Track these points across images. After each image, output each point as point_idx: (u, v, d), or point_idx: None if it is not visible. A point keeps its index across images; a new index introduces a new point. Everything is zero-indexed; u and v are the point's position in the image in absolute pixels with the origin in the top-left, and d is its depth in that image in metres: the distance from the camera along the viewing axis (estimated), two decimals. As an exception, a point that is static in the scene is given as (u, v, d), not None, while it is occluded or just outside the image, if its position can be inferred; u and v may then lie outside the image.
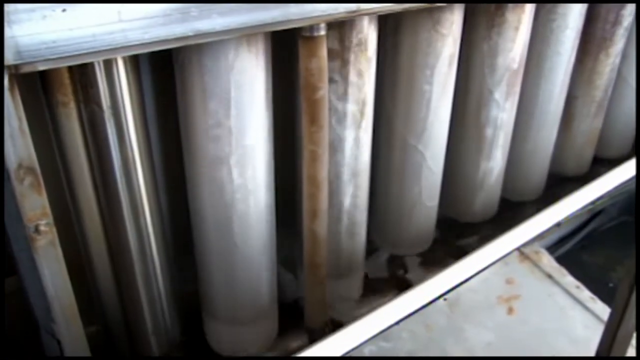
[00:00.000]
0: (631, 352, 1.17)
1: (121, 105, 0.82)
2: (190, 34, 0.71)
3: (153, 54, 0.76)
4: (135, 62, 0.84)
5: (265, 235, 1.06)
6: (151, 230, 0.96)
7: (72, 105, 0.79)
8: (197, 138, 0.92)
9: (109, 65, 0.78)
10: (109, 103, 0.80)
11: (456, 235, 1.48)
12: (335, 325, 1.21)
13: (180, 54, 0.85)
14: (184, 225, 1.18)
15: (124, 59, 0.80)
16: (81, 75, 0.77)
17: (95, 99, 0.79)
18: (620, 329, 1.06)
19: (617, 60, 1.48)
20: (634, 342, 1.30)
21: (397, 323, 0.97)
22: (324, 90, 0.93)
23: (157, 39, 0.69)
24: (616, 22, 1.38)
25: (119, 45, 0.68)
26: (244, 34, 0.80)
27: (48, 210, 0.71)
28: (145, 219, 0.94)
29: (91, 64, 0.76)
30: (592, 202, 1.05)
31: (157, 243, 0.98)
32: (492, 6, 1.18)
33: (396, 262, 1.40)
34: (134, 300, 1.01)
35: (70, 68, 0.76)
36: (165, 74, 1.01)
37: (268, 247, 1.08)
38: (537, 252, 1.56)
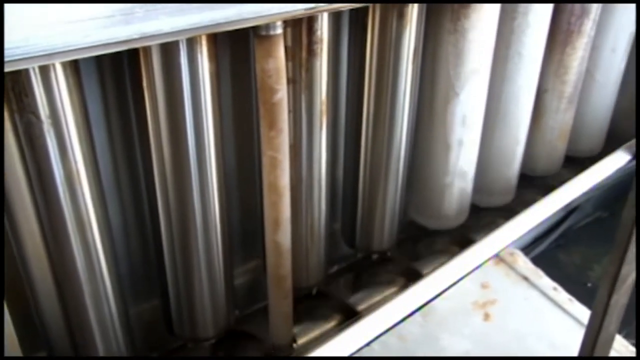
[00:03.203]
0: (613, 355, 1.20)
1: (61, 113, 0.80)
2: (136, 36, 0.70)
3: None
4: (75, 65, 0.82)
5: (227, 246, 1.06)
6: (100, 248, 0.94)
7: (5, 116, 0.76)
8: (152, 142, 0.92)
9: (45, 70, 0.76)
10: (47, 112, 0.78)
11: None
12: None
13: (130, 54, 0.84)
14: (136, 239, 1.17)
15: (63, 63, 0.78)
16: (14, 83, 0.75)
17: (32, 108, 0.76)
18: (602, 332, 1.09)
19: (586, 54, 1.51)
20: (616, 345, 1.34)
21: (373, 340, 0.98)
22: (282, 92, 0.93)
23: (99, 42, 0.68)
24: (582, 15, 1.41)
25: (57, 50, 0.66)
26: (196, 35, 0.79)
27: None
28: (92, 235, 0.92)
29: (25, 70, 0.74)
30: (569, 204, 1.07)
31: (107, 261, 0.96)
32: (456, 4, 1.19)
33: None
34: (83, 324, 0.98)
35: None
36: (112, 76, 1.00)
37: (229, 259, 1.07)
38: (512, 254, 1.59)
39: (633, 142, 0.87)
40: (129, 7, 0.68)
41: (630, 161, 0.86)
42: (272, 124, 0.96)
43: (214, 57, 0.91)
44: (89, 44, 0.67)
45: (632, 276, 0.96)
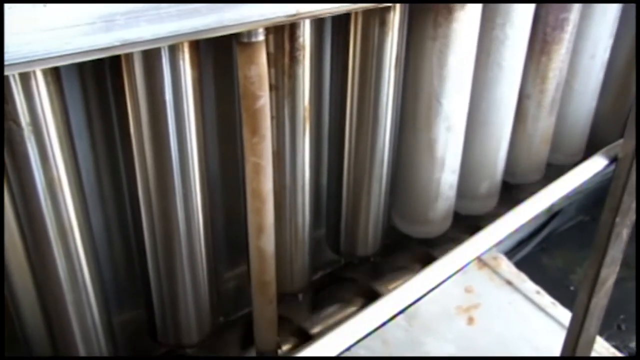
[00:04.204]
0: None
1: (42, 121, 0.80)
2: (117, 43, 0.70)
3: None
4: (56, 72, 0.81)
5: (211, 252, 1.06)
6: (82, 256, 0.94)
7: (-15, 123, 0.76)
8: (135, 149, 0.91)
9: (26, 77, 0.76)
10: (28, 119, 0.78)
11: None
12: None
13: (111, 61, 0.84)
14: (119, 247, 1.17)
15: (44, 70, 0.78)
16: (-6, 89, 0.74)
17: (12, 115, 0.76)
18: (582, 334, 1.11)
19: (565, 62, 1.52)
20: (597, 347, 1.36)
21: (355, 344, 0.98)
22: (265, 99, 0.93)
23: (80, 49, 0.68)
24: (561, 23, 1.43)
25: (37, 58, 0.66)
26: (177, 42, 0.79)
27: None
28: (75, 243, 0.92)
29: (5, 77, 0.74)
30: (550, 206, 1.09)
31: (89, 269, 0.96)
32: (438, 12, 1.20)
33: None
34: (65, 332, 0.98)
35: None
36: (94, 83, 1.00)
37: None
38: (495, 258, 1.60)
39: (611, 146, 0.89)
40: (110, 14, 0.68)
41: (607, 166, 0.88)
42: (255, 131, 0.96)
43: (196, 63, 0.91)
44: (69, 51, 0.67)
45: (611, 279, 0.98)
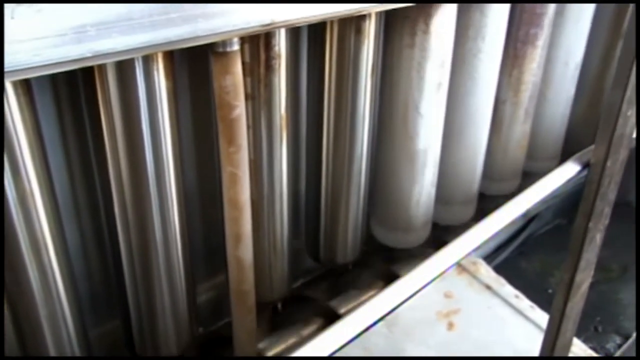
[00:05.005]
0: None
1: (13, 133, 0.78)
2: (88, 55, 0.69)
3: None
4: (27, 84, 0.80)
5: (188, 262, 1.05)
6: (56, 269, 0.92)
7: (-46, 137, 0.74)
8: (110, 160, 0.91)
9: (-5, 90, 0.75)
10: (-2, 133, 0.76)
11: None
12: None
13: (84, 72, 0.83)
14: (95, 259, 1.16)
15: (14, 82, 0.77)
16: (-39, 103, 0.73)
17: (-18, 129, 0.75)
18: (559, 337, 1.11)
19: (537, 80, 1.54)
20: (575, 349, 1.37)
21: (336, 352, 0.98)
22: (241, 109, 0.93)
23: (50, 61, 0.67)
24: (536, 33, 1.45)
25: (6, 69, 0.65)
26: (150, 53, 0.78)
27: None
28: (48, 256, 0.90)
29: (-25, 90, 0.73)
30: (526, 212, 1.09)
31: (64, 282, 0.94)
32: (413, 20, 1.21)
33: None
34: (40, 347, 0.96)
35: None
36: (67, 94, 0.99)
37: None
38: (474, 263, 1.61)
39: (583, 152, 0.90)
40: (81, 25, 0.67)
41: (580, 172, 0.89)
42: (231, 140, 0.95)
43: (171, 73, 0.91)
44: (39, 63, 0.66)
45: (586, 283, 0.99)
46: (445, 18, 1.20)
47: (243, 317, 1.14)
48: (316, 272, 1.53)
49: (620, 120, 0.84)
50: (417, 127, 1.30)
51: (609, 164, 0.84)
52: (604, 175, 0.85)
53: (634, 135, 1.03)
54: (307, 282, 1.51)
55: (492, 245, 1.84)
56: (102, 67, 0.86)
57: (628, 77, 0.78)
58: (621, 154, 0.87)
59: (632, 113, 0.84)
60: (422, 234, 1.49)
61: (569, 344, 1.16)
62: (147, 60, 0.86)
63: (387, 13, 1.23)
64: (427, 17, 1.20)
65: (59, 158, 1.02)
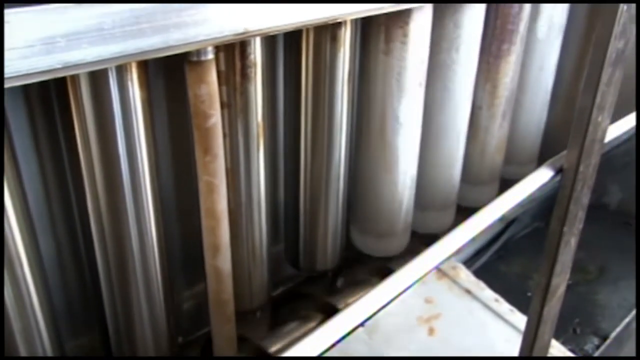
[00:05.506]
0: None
1: (-17, 146, 0.77)
2: (58, 66, 0.68)
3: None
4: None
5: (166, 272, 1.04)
6: (30, 282, 0.91)
7: None
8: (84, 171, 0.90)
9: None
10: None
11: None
12: None
13: (57, 83, 0.82)
14: (71, 272, 1.14)
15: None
16: None
17: (-49, 141, 0.74)
18: (537, 340, 1.12)
19: (511, 95, 1.55)
20: (553, 351, 1.38)
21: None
22: (216, 117, 0.92)
23: (17, 73, 0.66)
24: (498, 55, 1.47)
25: (-25, 81, 0.64)
26: (122, 63, 0.78)
27: None
28: (22, 269, 0.89)
29: (-56, 103, 0.71)
30: (502, 217, 1.10)
31: (38, 295, 0.93)
32: (388, 26, 1.21)
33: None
34: (15, 363, 0.95)
35: None
36: (40, 106, 0.98)
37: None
38: (454, 268, 1.62)
39: (557, 158, 0.91)
40: (50, 36, 0.67)
41: (553, 177, 0.89)
42: (207, 149, 0.95)
43: (145, 83, 0.90)
44: (7, 75, 0.65)
45: (563, 286, 0.99)
46: (420, 24, 1.21)
47: (222, 326, 1.13)
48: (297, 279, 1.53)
49: (591, 127, 0.85)
50: (395, 133, 1.30)
51: (581, 169, 0.85)
52: (577, 180, 0.85)
53: (606, 140, 1.05)
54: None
55: (472, 249, 1.85)
56: (75, 78, 0.85)
57: (597, 83, 0.79)
58: (593, 160, 0.88)
59: (602, 119, 0.85)
60: (402, 241, 1.49)
61: (547, 347, 1.17)
62: (121, 70, 0.86)
63: (363, 20, 1.23)
64: (403, 24, 1.20)
65: (32, 170, 1.01)
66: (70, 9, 0.66)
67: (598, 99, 0.81)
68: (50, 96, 0.95)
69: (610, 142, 1.15)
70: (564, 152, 0.91)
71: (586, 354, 1.60)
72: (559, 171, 0.90)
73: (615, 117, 1.28)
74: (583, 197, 0.89)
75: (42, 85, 0.87)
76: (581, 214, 0.91)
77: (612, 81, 0.82)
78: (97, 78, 0.85)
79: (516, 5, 1.44)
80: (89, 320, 1.15)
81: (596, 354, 1.62)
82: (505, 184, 1.66)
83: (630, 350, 1.75)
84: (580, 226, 0.92)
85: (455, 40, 1.33)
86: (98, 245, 0.99)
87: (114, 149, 0.91)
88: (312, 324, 1.30)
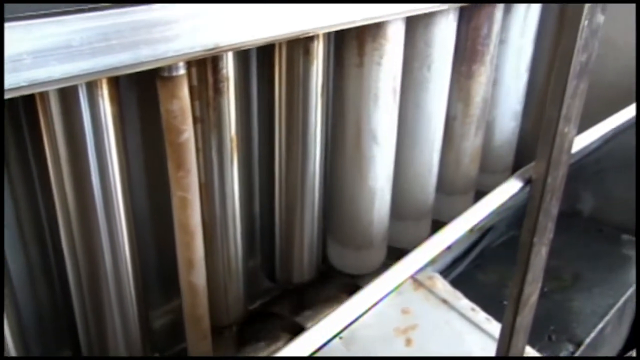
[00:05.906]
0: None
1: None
2: (24, 84, 0.67)
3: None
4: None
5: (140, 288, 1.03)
6: None
7: None
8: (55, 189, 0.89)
9: None
10: None
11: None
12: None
13: (25, 101, 0.81)
14: (43, 289, 1.12)
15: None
16: None
17: None
18: (511, 349, 1.13)
19: (487, 96, 1.57)
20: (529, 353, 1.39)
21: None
22: (189, 133, 0.92)
23: (-18, 91, 0.65)
24: (469, 76, 1.49)
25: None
26: (91, 80, 0.77)
27: None
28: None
29: None
30: (481, 222, 1.11)
31: (8, 316, 0.91)
32: (361, 39, 1.22)
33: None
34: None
35: None
36: (9, 124, 0.96)
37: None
38: (430, 278, 1.62)
39: (526, 168, 0.92)
40: (17, 54, 0.66)
41: (523, 188, 0.91)
42: (180, 165, 0.95)
43: (116, 99, 0.90)
44: (-28, 93, 0.65)
45: (535, 295, 1.00)
46: (392, 36, 1.22)
47: (198, 342, 1.12)
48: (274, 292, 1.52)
49: (558, 139, 0.86)
50: (369, 145, 1.31)
51: (549, 180, 0.87)
52: (546, 192, 0.87)
53: (576, 149, 1.06)
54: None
55: (449, 258, 1.86)
56: (43, 94, 0.84)
57: (563, 94, 0.80)
58: (560, 171, 0.89)
59: (569, 130, 0.87)
60: (379, 253, 1.50)
61: (521, 355, 1.18)
62: (91, 86, 0.85)
63: (336, 34, 1.24)
64: (376, 37, 1.21)
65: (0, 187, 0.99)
66: (36, 26, 0.65)
67: (564, 111, 0.83)
68: (19, 112, 0.94)
69: (580, 150, 1.17)
70: (532, 164, 0.93)
71: (561, 361, 1.62)
72: (528, 182, 0.92)
73: (591, 123, 1.31)
74: (552, 208, 0.90)
75: (11, 101, 0.86)
76: (551, 225, 0.92)
77: (577, 93, 0.84)
78: (67, 94, 0.84)
79: (485, 27, 1.47)
80: (61, 337, 1.13)
81: None
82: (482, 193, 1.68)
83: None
84: (551, 236, 0.94)
85: (427, 59, 1.35)
86: (69, 261, 0.98)
87: (84, 164, 0.90)
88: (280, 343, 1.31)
